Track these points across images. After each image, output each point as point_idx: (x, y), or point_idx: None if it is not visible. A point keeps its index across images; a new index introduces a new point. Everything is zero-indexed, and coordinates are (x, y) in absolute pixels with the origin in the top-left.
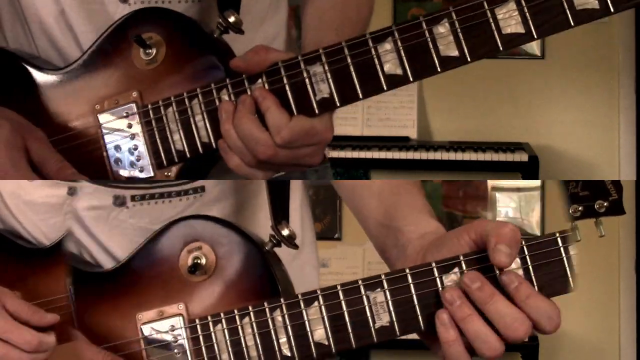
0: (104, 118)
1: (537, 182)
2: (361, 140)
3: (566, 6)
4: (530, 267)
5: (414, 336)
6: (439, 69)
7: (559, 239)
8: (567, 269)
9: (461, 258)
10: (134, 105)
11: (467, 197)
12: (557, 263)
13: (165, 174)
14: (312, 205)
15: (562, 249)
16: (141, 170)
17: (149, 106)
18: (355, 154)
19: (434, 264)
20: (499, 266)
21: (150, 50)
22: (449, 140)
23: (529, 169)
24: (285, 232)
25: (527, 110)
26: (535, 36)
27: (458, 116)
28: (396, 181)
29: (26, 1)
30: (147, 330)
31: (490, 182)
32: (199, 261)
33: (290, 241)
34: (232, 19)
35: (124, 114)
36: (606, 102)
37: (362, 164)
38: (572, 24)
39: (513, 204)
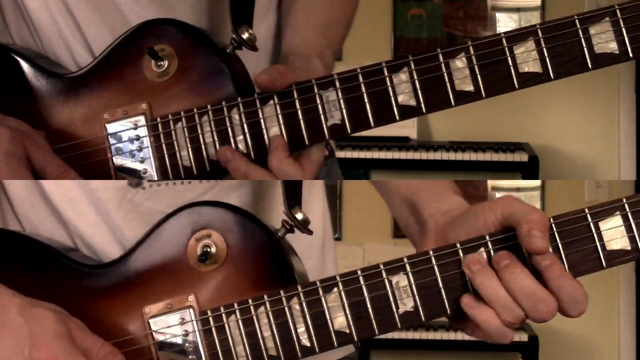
0: (112, 128)
1: (537, 182)
2: (361, 140)
3: (586, 50)
4: (559, 244)
5: (414, 336)
6: (453, 103)
7: (588, 215)
8: (598, 244)
9: (487, 238)
10: (142, 117)
11: (467, 197)
12: (587, 239)
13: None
14: None
15: (591, 224)
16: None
17: (158, 119)
18: (355, 154)
19: (458, 245)
20: (536, 252)
21: (162, 63)
22: (449, 140)
23: (529, 169)
24: (299, 216)
25: (527, 110)
26: (553, 77)
27: (458, 116)
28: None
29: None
30: (155, 324)
31: (490, 182)
32: (208, 249)
33: (305, 226)
34: (245, 35)
35: (132, 126)
36: (606, 102)
37: (362, 164)
38: (590, 67)
39: None
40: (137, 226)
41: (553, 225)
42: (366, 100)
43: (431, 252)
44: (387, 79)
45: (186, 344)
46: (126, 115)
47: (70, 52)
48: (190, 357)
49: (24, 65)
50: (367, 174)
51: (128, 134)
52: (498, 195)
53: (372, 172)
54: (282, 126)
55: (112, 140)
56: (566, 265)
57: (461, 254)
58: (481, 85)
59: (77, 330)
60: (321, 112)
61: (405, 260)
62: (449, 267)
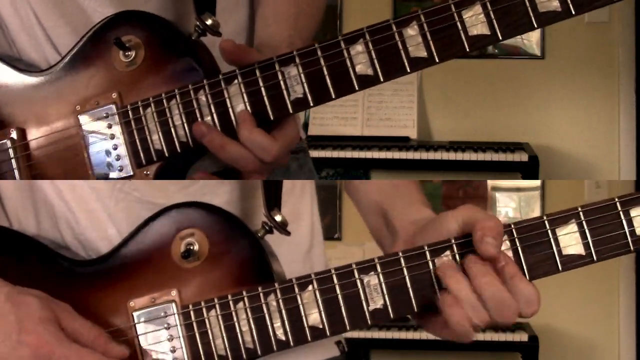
0: (84, 119)
1: (537, 182)
2: (361, 140)
3: (529, 9)
4: (519, 248)
5: (414, 336)
6: (408, 70)
7: (546, 222)
8: (555, 250)
9: (453, 241)
10: (113, 106)
11: (467, 197)
12: (545, 244)
13: (145, 172)
14: None
15: (549, 231)
16: (120, 170)
17: (128, 107)
18: (355, 154)
19: (426, 247)
20: (487, 256)
21: (129, 53)
22: (449, 140)
23: (529, 169)
24: (277, 218)
25: (527, 110)
26: (500, 37)
27: (458, 116)
28: (397, 180)
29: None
30: (139, 317)
31: (490, 182)
32: (191, 247)
33: (283, 227)
34: (209, 22)
35: (104, 115)
36: (606, 102)
37: (362, 164)
38: (535, 25)
39: (513, 204)
40: (127, 216)
41: (514, 230)
42: (325, 72)
43: (400, 254)
44: (344, 51)
45: (168, 337)
46: (98, 105)
47: (44, 55)
48: (171, 349)
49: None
50: (367, 174)
51: (100, 124)
52: (498, 195)
53: (372, 172)
54: (247, 103)
55: (85, 130)
56: (525, 268)
57: (428, 256)
58: (434, 51)
59: (64, 313)
60: (283, 88)
61: (376, 260)
62: (417, 268)
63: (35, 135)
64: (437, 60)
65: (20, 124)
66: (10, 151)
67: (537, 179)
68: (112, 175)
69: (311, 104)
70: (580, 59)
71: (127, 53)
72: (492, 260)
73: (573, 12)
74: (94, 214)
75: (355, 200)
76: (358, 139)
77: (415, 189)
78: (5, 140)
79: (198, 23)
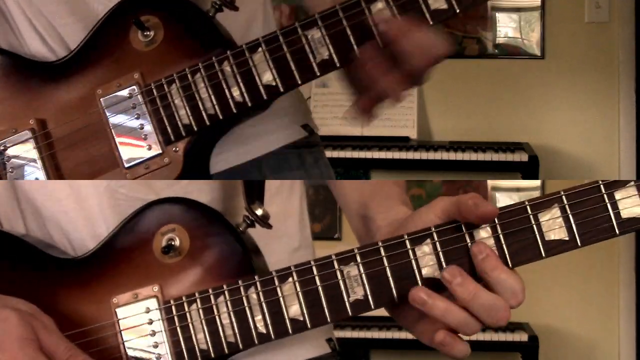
0: (107, 101)
1: (537, 182)
2: (361, 140)
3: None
4: (500, 235)
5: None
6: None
7: (528, 207)
8: (537, 235)
9: (432, 229)
10: (136, 86)
11: None
12: (527, 230)
13: (174, 149)
14: (312, 205)
15: (531, 216)
16: (149, 148)
17: (152, 85)
18: (355, 154)
19: (406, 236)
20: (489, 216)
21: (148, 33)
22: (449, 140)
23: (529, 169)
24: (258, 211)
25: (527, 110)
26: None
27: (458, 116)
28: (381, 180)
29: (11, 4)
30: (122, 313)
31: (490, 182)
32: (172, 242)
33: (264, 221)
34: None
35: (127, 95)
36: (606, 102)
37: (362, 164)
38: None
39: None
40: (115, 214)
41: (495, 217)
42: (349, 32)
43: (380, 243)
44: (365, 10)
45: (150, 332)
46: (120, 87)
47: (53, 52)
48: (154, 344)
49: (7, 60)
50: (367, 174)
51: (124, 105)
52: (498, 195)
53: (372, 172)
54: (273, 69)
55: (109, 113)
56: (507, 255)
57: (408, 245)
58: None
59: (43, 330)
60: (308, 51)
61: (356, 251)
62: (397, 258)
63: (57, 124)
64: (457, 11)
65: (39, 114)
66: (32, 141)
67: (537, 179)
68: (141, 155)
69: (337, 65)
70: (580, 59)
71: (146, 33)
72: (490, 219)
73: None
74: (82, 212)
75: (339, 202)
76: (358, 139)
77: (396, 190)
78: (25, 131)
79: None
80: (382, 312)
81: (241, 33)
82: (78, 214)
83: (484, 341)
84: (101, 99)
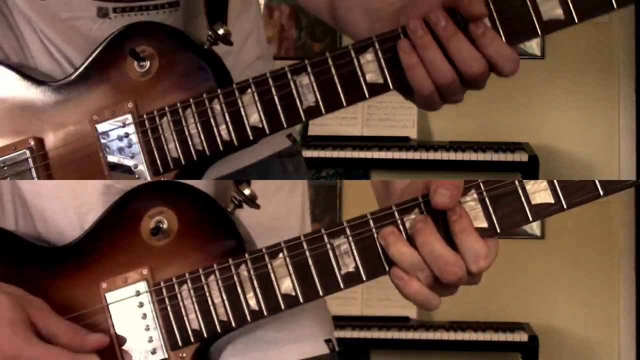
0: (102, 128)
1: None
2: (361, 140)
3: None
4: (486, 199)
5: (414, 336)
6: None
7: (517, 183)
8: (523, 199)
9: (420, 199)
10: (130, 115)
11: None
12: (513, 194)
13: (162, 179)
14: (312, 205)
15: (516, 181)
16: (138, 177)
17: (145, 116)
18: (355, 154)
19: (394, 207)
20: (437, 206)
21: (144, 63)
22: (449, 140)
23: (529, 169)
24: (246, 191)
25: (527, 110)
26: None
27: (458, 116)
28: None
29: (18, 17)
30: (111, 297)
31: None
32: (161, 225)
33: (252, 201)
34: (221, 32)
35: (121, 124)
36: (606, 102)
37: (362, 164)
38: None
39: None
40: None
41: (481, 184)
42: (337, 81)
43: (369, 215)
44: (355, 60)
45: (141, 315)
46: (114, 115)
47: (59, 66)
48: (145, 327)
49: (14, 76)
50: (367, 174)
51: (117, 132)
52: None
53: (372, 172)
54: (261, 112)
55: (102, 140)
56: (495, 221)
57: (397, 215)
58: (388, 77)
59: (38, 312)
60: (296, 96)
61: (345, 224)
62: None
63: (53, 144)
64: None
65: (37, 134)
66: (30, 160)
67: (537, 179)
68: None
69: (323, 112)
70: (580, 59)
71: (141, 63)
72: (447, 211)
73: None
74: (75, 210)
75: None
76: (358, 139)
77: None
78: (24, 150)
79: (210, 33)
80: (382, 312)
81: (237, 49)
82: (73, 211)
83: (484, 341)
84: (96, 125)
